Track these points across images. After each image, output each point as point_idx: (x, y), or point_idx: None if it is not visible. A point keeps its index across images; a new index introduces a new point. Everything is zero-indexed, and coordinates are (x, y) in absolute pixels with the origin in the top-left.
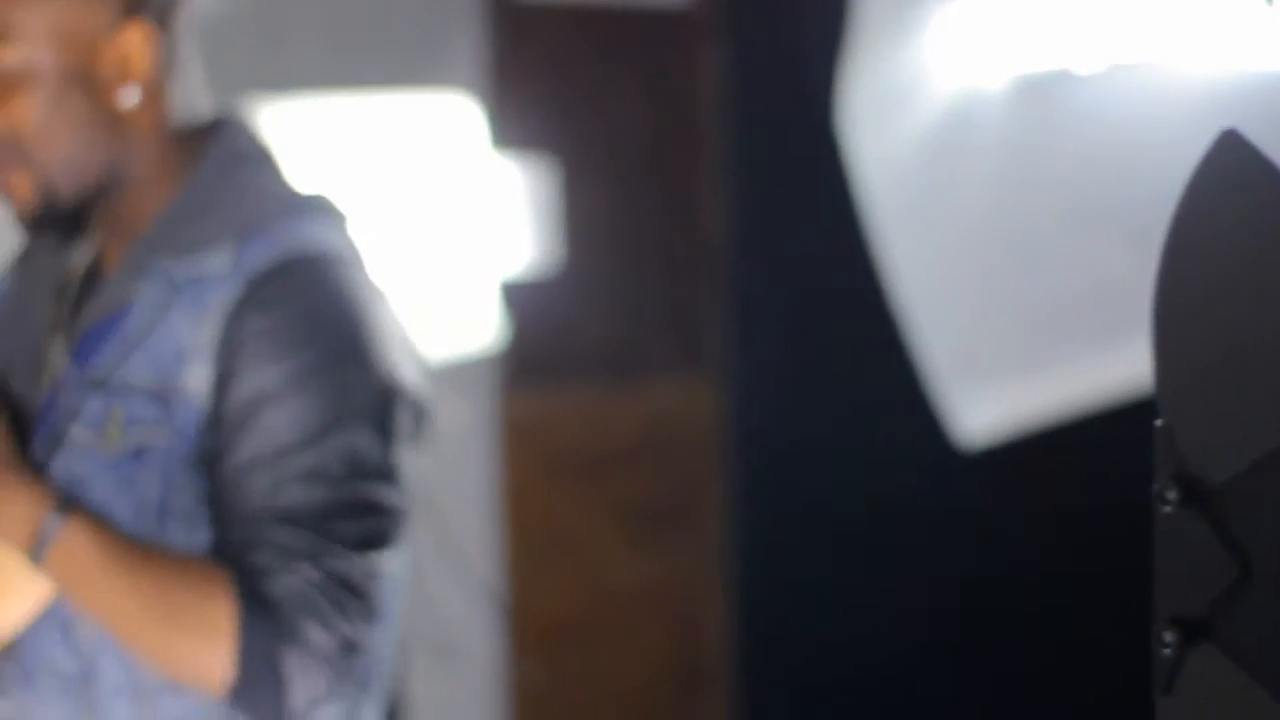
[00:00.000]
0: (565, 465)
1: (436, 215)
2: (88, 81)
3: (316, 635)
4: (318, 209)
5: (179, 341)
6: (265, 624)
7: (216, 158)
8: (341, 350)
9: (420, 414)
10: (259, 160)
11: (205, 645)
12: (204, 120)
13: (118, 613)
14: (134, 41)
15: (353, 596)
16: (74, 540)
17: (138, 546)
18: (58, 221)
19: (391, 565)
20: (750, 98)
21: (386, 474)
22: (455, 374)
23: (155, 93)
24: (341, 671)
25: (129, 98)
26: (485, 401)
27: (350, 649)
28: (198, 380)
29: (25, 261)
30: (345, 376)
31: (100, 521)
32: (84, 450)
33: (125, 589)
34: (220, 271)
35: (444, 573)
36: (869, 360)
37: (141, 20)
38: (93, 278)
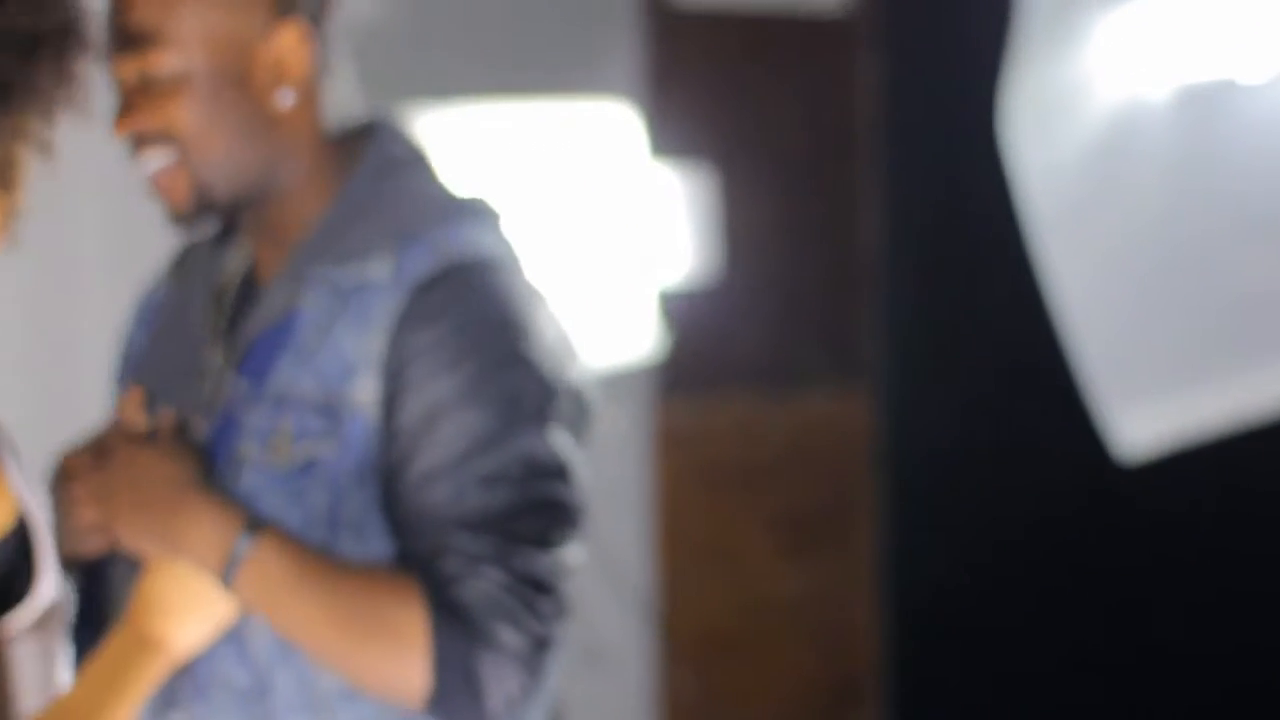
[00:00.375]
0: (719, 475)
1: (595, 224)
2: (243, 84)
3: (509, 636)
4: (474, 212)
5: (344, 353)
6: (458, 630)
7: (372, 161)
8: (509, 355)
9: (584, 412)
10: (414, 164)
11: (400, 655)
12: (358, 124)
13: (310, 628)
14: (288, 43)
15: (541, 594)
16: (264, 560)
17: (326, 561)
18: (212, 223)
19: (573, 559)
20: (907, 105)
21: (561, 471)
22: (611, 382)
23: (309, 95)
24: (535, 670)
25: (284, 100)
26: (641, 410)
27: (543, 646)
28: (366, 393)
29: (179, 270)
30: (515, 381)
31: (289, 539)
32: (252, 464)
33: (317, 604)
34: (382, 279)
35: (597, 580)
36: (1025, 370)
37: (295, 21)
38: (249, 285)
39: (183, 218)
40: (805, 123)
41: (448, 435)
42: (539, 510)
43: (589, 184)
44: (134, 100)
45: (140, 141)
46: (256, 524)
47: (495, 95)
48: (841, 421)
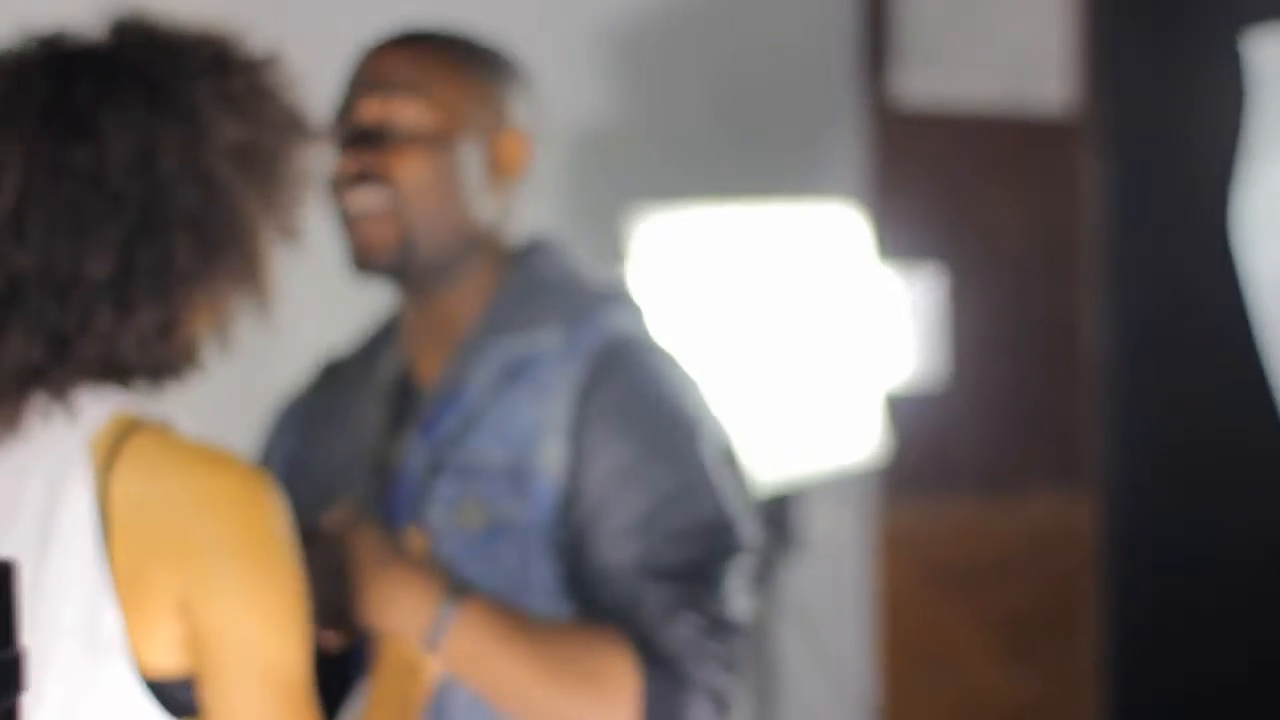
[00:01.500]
0: (942, 577)
1: (822, 326)
2: (471, 164)
3: (711, 679)
4: (627, 298)
5: (526, 419)
6: (665, 675)
7: (532, 257)
8: (683, 418)
9: (741, 470)
10: (568, 258)
11: (611, 703)
12: (519, 242)
13: (518, 684)
14: (516, 143)
15: (734, 634)
16: (469, 624)
17: (532, 620)
18: (390, 282)
19: (751, 606)
20: (1133, 206)
21: (737, 522)
22: (837, 484)
23: (510, 200)
24: (726, 711)
25: (503, 188)
26: (864, 512)
27: (734, 684)
28: (552, 456)
29: (328, 380)
30: (690, 441)
31: (493, 602)
32: (443, 531)
33: (525, 659)
34: (554, 349)
35: (818, 682)
36: (1255, 475)
37: (523, 130)
38: (405, 387)
39: (374, 265)
40: (1029, 225)
41: (633, 495)
42: (724, 557)
43: (816, 286)
44: (367, 142)
45: (359, 179)
46: (460, 588)
47: (722, 199)
48: (1066, 525)
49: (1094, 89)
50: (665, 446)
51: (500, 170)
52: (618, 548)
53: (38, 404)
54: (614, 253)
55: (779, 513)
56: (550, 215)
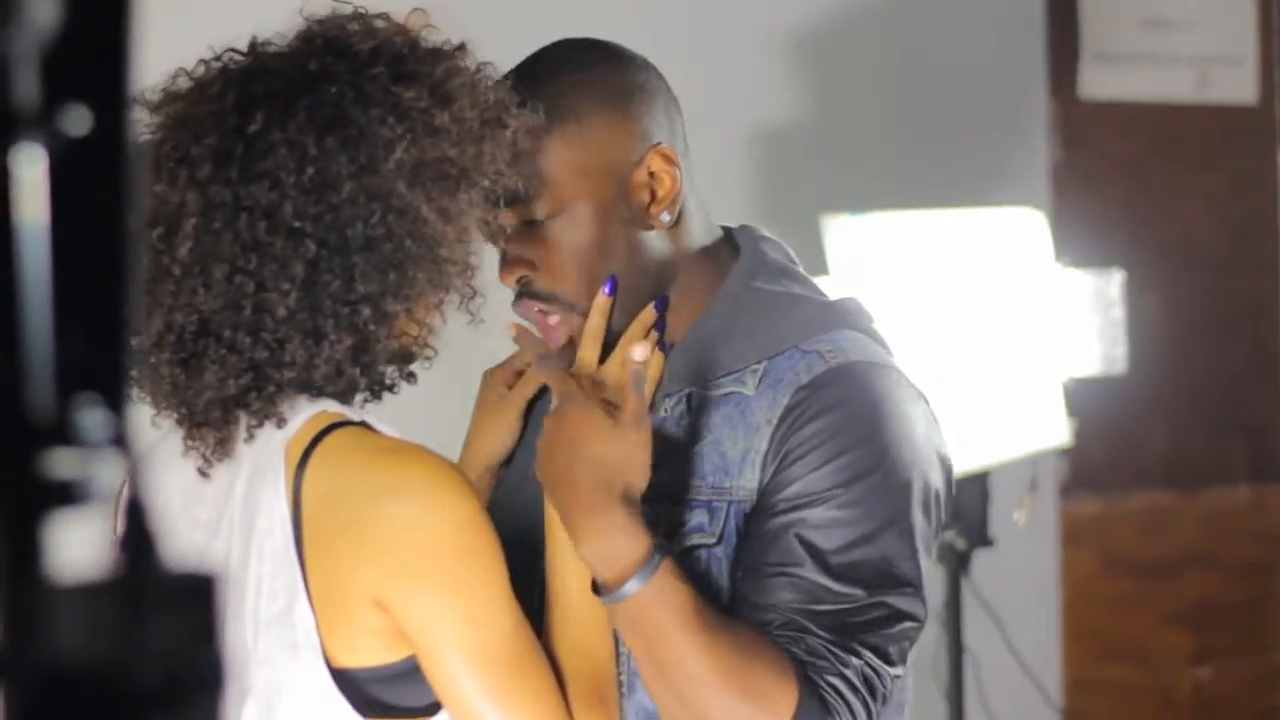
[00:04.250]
0: (1126, 570)
1: (1008, 321)
2: (621, 213)
3: None
4: (846, 314)
5: (724, 452)
6: (818, 711)
7: (740, 274)
8: (885, 458)
9: (943, 514)
10: (782, 270)
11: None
12: (724, 233)
13: (687, 669)
14: (657, 166)
15: (878, 702)
16: (663, 590)
17: (716, 612)
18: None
19: (900, 673)
20: None
21: (915, 584)
22: (1023, 478)
23: (679, 212)
24: None
25: (660, 220)
26: (1049, 505)
27: None
28: (748, 487)
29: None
30: (888, 484)
31: (689, 579)
32: None
33: (703, 645)
34: (747, 392)
35: (1002, 676)
36: None
37: (659, 147)
38: None
39: (563, 354)
40: (1219, 217)
41: (814, 525)
42: (889, 619)
43: (1005, 286)
44: (516, 247)
45: (528, 299)
46: (665, 547)
47: (907, 205)
48: (1252, 520)
49: None
50: (858, 483)
51: (657, 196)
52: (783, 576)
53: (242, 427)
54: (803, 260)
55: (969, 506)
56: (739, 222)
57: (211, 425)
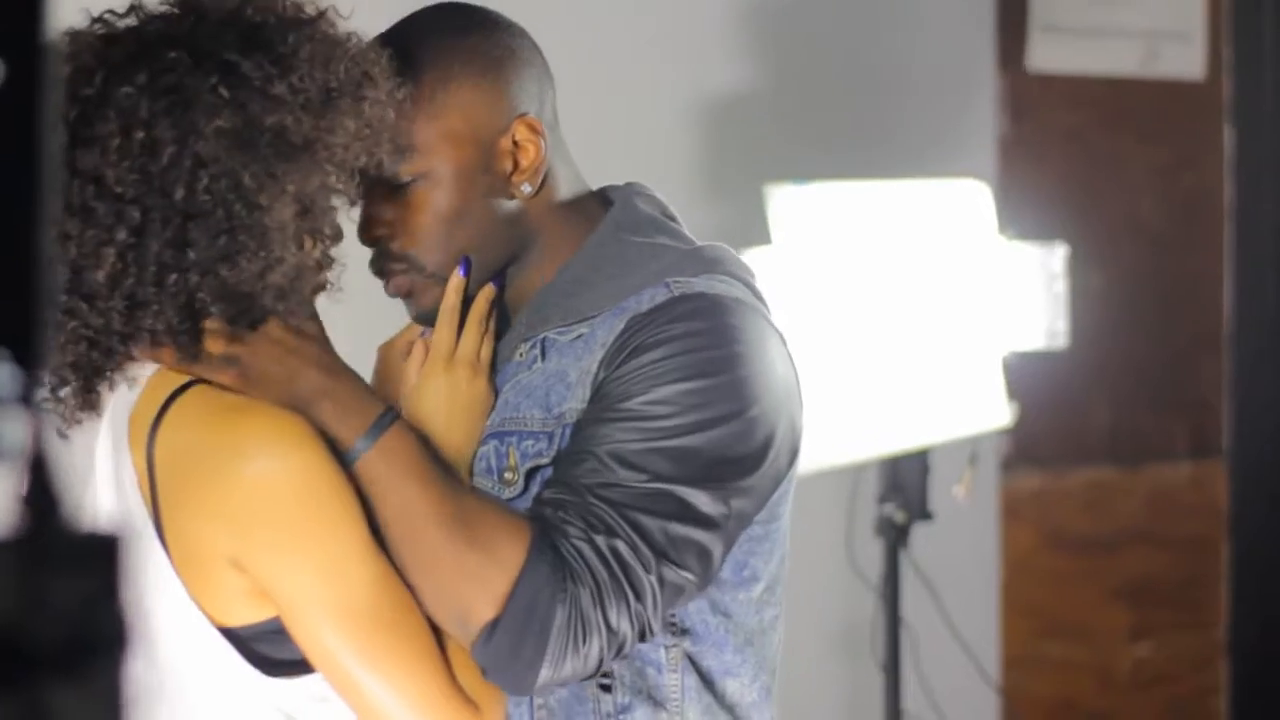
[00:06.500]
0: (1067, 546)
1: (948, 295)
2: (482, 181)
3: (589, 607)
4: (712, 260)
5: (567, 379)
6: (550, 573)
7: (609, 223)
8: (716, 391)
9: (792, 456)
10: (652, 221)
11: (486, 574)
12: (604, 192)
13: (416, 522)
14: (523, 134)
15: (632, 591)
16: (392, 449)
17: (454, 477)
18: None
19: (674, 599)
20: (1268, 175)
21: (709, 521)
22: (960, 451)
23: (544, 180)
24: (587, 656)
25: (521, 190)
26: (989, 479)
27: (613, 638)
28: (579, 407)
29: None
30: (712, 412)
31: (426, 444)
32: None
33: (426, 507)
34: (595, 330)
35: (939, 650)
36: None
37: (525, 118)
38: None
39: (430, 317)
40: (1164, 192)
41: (622, 430)
42: (670, 533)
43: (948, 259)
44: (375, 208)
45: (383, 259)
46: (395, 413)
47: (853, 174)
48: (1192, 496)
49: (1229, 56)
50: (682, 411)
51: (520, 165)
52: (584, 460)
53: (98, 389)
54: (746, 228)
55: (908, 479)
56: (683, 190)
57: (63, 388)
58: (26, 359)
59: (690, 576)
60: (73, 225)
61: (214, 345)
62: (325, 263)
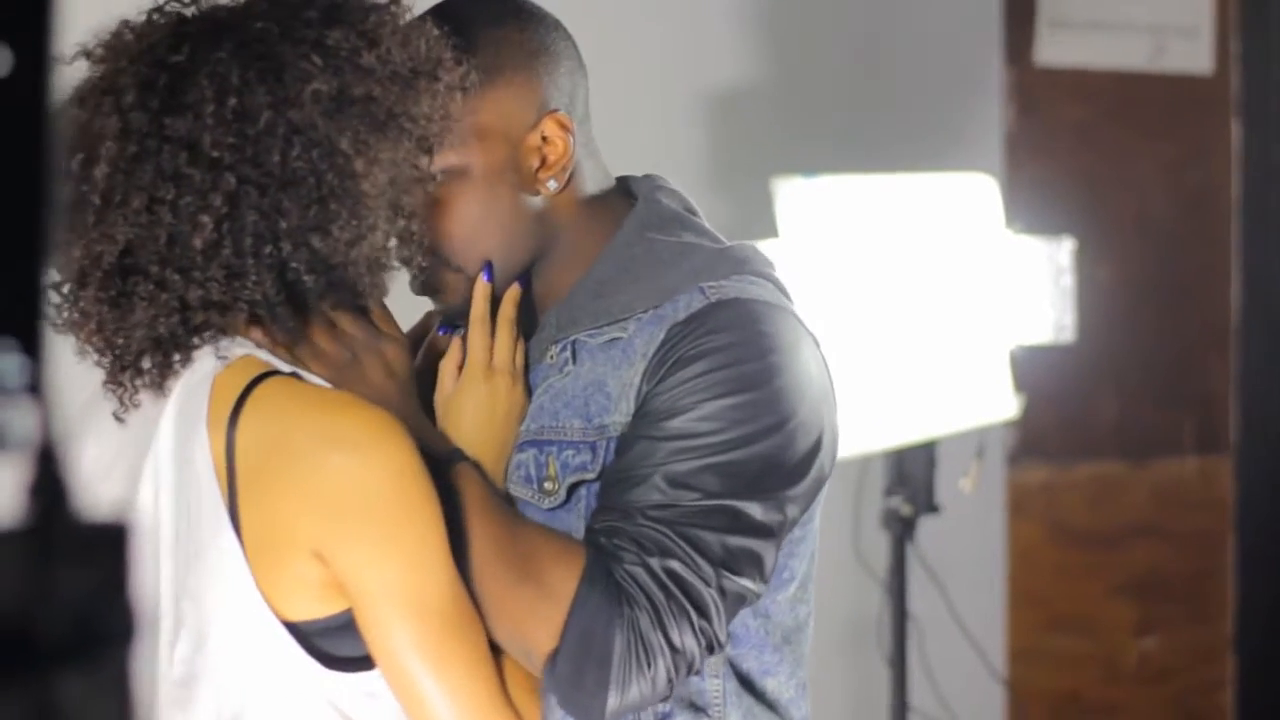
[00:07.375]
0: (1073, 540)
1: (956, 288)
2: (510, 177)
3: (648, 630)
4: (740, 260)
5: (606, 389)
6: (604, 600)
7: (633, 224)
8: (759, 404)
9: (829, 460)
10: (677, 218)
11: (542, 604)
12: (621, 185)
13: (476, 556)
14: (552, 130)
15: (694, 608)
16: (463, 475)
17: (510, 509)
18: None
19: (734, 608)
20: (1275, 170)
21: (765, 529)
22: (967, 444)
23: (572, 176)
24: (655, 679)
25: (548, 185)
26: (996, 473)
27: (679, 657)
28: (623, 421)
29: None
30: (758, 425)
31: (486, 479)
32: (524, 505)
33: (483, 540)
34: (629, 335)
35: (945, 643)
36: None
37: (554, 115)
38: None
39: (454, 312)
40: (1170, 187)
41: (673, 436)
42: (727, 546)
43: (957, 252)
44: None
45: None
46: (460, 454)
47: (859, 168)
48: (1201, 491)
49: (1237, 50)
50: (726, 424)
51: (548, 161)
52: (633, 480)
53: (174, 366)
54: (753, 221)
55: (915, 472)
56: (690, 183)
57: (139, 366)
58: (31, 348)
59: (750, 585)
60: (165, 190)
61: (318, 334)
62: (407, 237)
